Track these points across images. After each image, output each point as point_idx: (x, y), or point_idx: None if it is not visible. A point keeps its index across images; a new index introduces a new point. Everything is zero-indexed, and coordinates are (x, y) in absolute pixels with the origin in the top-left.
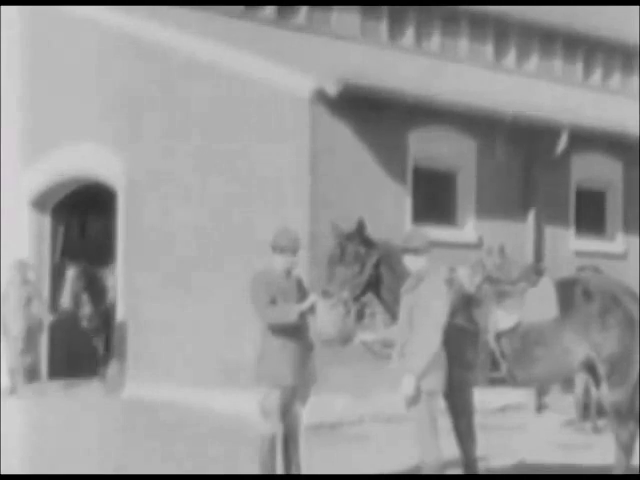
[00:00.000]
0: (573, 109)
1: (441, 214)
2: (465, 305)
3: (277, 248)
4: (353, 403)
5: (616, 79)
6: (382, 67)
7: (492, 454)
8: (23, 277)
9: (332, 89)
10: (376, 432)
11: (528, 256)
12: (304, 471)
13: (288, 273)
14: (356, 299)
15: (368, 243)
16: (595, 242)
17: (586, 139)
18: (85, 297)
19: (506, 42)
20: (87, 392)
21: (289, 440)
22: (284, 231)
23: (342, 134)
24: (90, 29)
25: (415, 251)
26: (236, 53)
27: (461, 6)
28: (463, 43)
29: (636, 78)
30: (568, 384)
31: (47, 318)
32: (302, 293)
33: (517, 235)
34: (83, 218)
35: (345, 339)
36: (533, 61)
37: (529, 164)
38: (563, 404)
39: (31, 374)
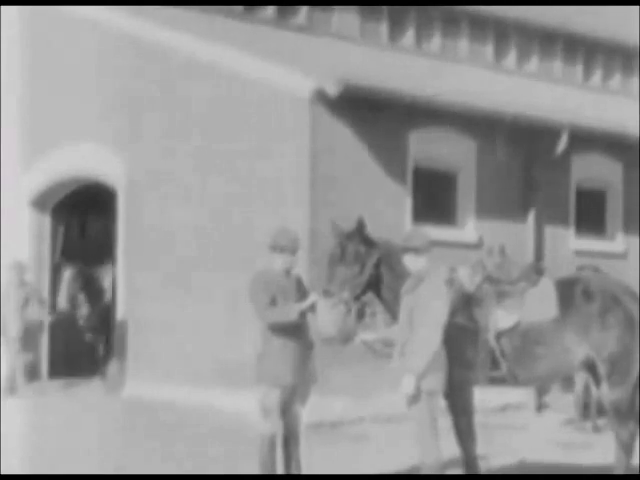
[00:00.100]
0: (573, 109)
1: (441, 214)
2: (465, 305)
3: (276, 248)
4: (353, 403)
5: (616, 80)
6: (382, 67)
7: (492, 453)
8: (20, 279)
9: (332, 89)
10: (376, 432)
11: (528, 256)
12: (304, 470)
13: (287, 273)
14: (356, 298)
15: (368, 242)
16: (595, 242)
17: (586, 139)
18: (82, 298)
19: (506, 43)
20: (87, 392)
21: (289, 439)
22: (283, 231)
23: (342, 134)
24: (90, 29)
25: (416, 251)
26: (236, 53)
27: (461, 7)
28: (463, 44)
29: (636, 79)
30: (568, 383)
31: (47, 318)
32: (302, 292)
33: (517, 235)
34: (83, 218)
35: (346, 338)
36: (533, 62)
37: (529, 164)
38: (563, 403)
39: (31, 374)
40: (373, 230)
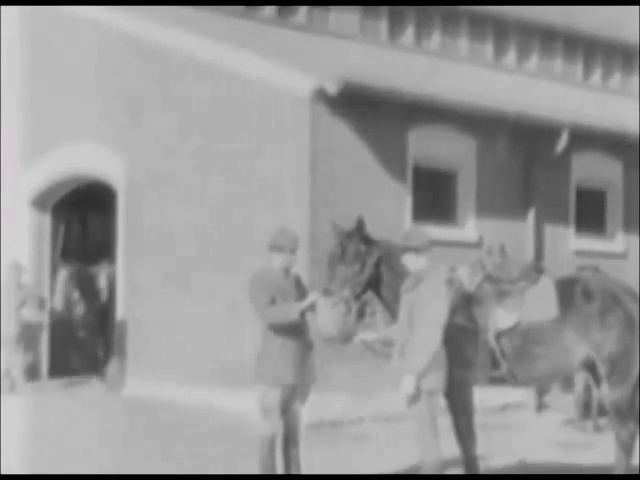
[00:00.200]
0: (573, 108)
1: (441, 213)
2: (465, 304)
3: (275, 247)
4: (353, 402)
5: (616, 79)
6: (382, 66)
7: (492, 453)
8: (18, 280)
9: (332, 88)
10: (376, 431)
11: (528, 255)
12: (304, 470)
13: (287, 272)
14: (357, 298)
15: (368, 241)
16: (595, 241)
17: (586, 138)
18: (77, 298)
19: (506, 41)
20: (87, 391)
21: (289, 439)
22: (282, 230)
23: (342, 133)
24: (90, 29)
25: (415, 250)
26: (236, 53)
27: (461, 5)
28: (463, 42)
29: (636, 78)
30: (568, 383)
31: (46, 318)
32: (301, 292)
33: (517, 234)
34: (83, 218)
35: (346, 338)
36: (533, 60)
37: (529, 163)
38: (563, 403)
39: (31, 373)
40: (373, 229)
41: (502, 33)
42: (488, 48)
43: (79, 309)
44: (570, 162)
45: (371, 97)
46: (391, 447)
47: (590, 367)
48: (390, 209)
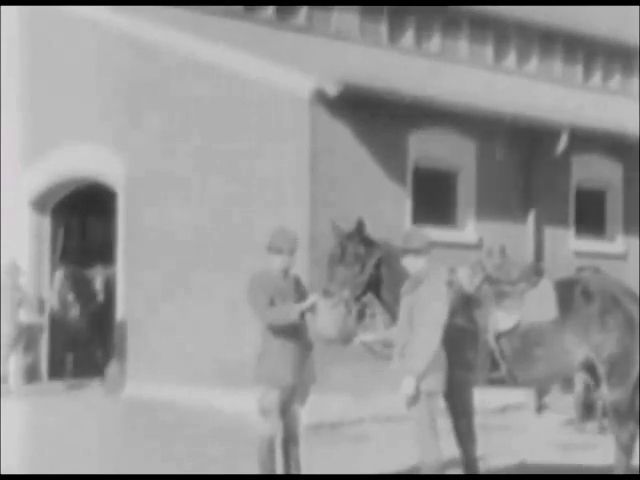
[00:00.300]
0: (573, 110)
1: (441, 215)
2: (465, 305)
3: (274, 248)
4: (353, 403)
5: (616, 80)
6: (382, 68)
7: (492, 454)
8: (14, 281)
9: (332, 89)
10: (376, 432)
11: (528, 256)
12: (304, 471)
13: (285, 273)
14: (357, 299)
15: (368, 243)
16: (595, 242)
17: (586, 140)
18: (72, 299)
19: (506, 43)
20: (87, 392)
21: (289, 440)
22: (281, 231)
23: (342, 134)
24: (90, 29)
25: (415, 252)
26: (236, 53)
27: (461, 7)
28: (463, 44)
29: (636, 79)
30: (568, 384)
31: (45, 320)
32: (300, 292)
33: (517, 236)
34: (83, 218)
35: (345, 339)
36: (533, 62)
37: (529, 165)
38: (563, 404)
39: (31, 375)
40: (373, 231)
41: (502, 35)
42: (488, 50)
43: (74, 311)
44: (570, 163)
45: (371, 99)
46: (391, 448)
47: (590, 368)
48: (390, 210)
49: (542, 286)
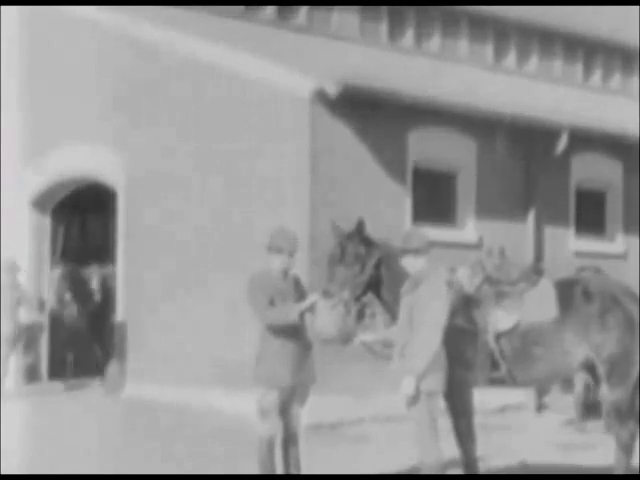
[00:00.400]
0: (573, 110)
1: (441, 214)
2: (465, 305)
3: (274, 248)
4: (353, 403)
5: (616, 80)
6: (382, 67)
7: (492, 454)
8: (13, 280)
9: (332, 89)
10: (376, 432)
11: (528, 256)
12: (304, 471)
13: (285, 274)
14: (356, 299)
15: (368, 243)
16: (595, 242)
17: (586, 140)
18: (69, 298)
19: (506, 43)
20: (87, 392)
21: (288, 440)
22: (281, 231)
23: (342, 134)
24: (90, 29)
25: (415, 252)
26: (236, 53)
27: (461, 7)
28: (463, 44)
29: (636, 79)
30: (568, 384)
31: (45, 319)
32: (300, 293)
33: (517, 235)
34: (83, 218)
35: (345, 339)
36: (533, 62)
37: (529, 164)
38: (563, 404)
39: (31, 375)
40: (373, 230)
41: (502, 35)
42: (488, 50)
43: (71, 310)
44: (570, 163)
45: (371, 98)
46: (391, 448)
47: (590, 368)
48: (390, 210)
49: (542, 286)
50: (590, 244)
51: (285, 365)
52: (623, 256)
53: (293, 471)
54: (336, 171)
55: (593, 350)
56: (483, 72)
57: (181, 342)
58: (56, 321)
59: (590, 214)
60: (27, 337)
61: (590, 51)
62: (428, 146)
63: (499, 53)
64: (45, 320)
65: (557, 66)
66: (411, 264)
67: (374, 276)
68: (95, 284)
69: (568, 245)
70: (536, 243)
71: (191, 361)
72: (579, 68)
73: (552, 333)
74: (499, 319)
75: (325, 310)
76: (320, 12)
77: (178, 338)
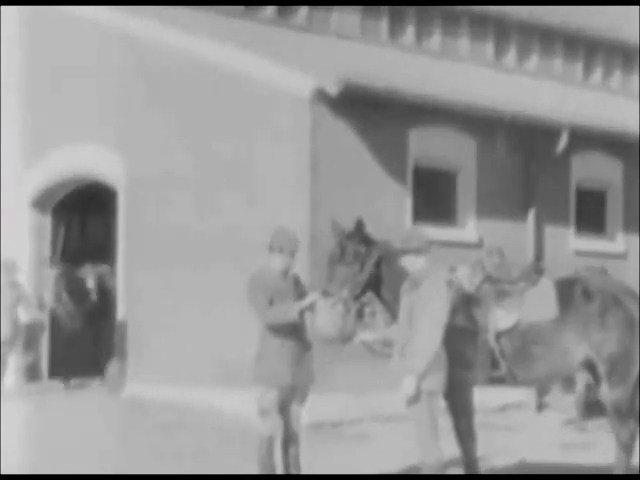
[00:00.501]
0: (573, 109)
1: (441, 214)
2: (465, 305)
3: (275, 248)
4: (353, 402)
5: (616, 79)
6: (382, 66)
7: (493, 453)
8: (11, 279)
9: (332, 89)
10: (376, 431)
11: (528, 256)
12: (304, 470)
13: (285, 273)
14: (356, 298)
15: (368, 242)
16: (595, 242)
17: (586, 139)
18: (65, 298)
19: (506, 41)
20: (88, 392)
21: (289, 439)
22: (282, 231)
23: (342, 134)
24: (90, 29)
25: (416, 251)
26: (236, 53)
27: (461, 5)
28: (463, 42)
29: (636, 78)
30: (569, 383)
31: (46, 319)
32: (300, 292)
33: (517, 235)
34: (83, 218)
35: (345, 338)
36: (533, 60)
37: (529, 163)
38: (563, 403)
39: (31, 373)
40: (373, 230)
41: (502, 33)
42: (488, 48)
43: (68, 309)
44: (570, 162)
45: (372, 97)
46: (391, 447)
47: (590, 367)
48: (390, 209)
49: (542, 285)
50: (590, 243)
51: (285, 364)
52: (623, 255)
53: (293, 470)
54: (336, 170)
55: (593, 349)
56: (483, 70)
57: (181, 342)
58: (55, 320)
59: (590, 213)
60: (27, 336)
61: (590, 50)
62: (429, 145)
63: (499, 51)
64: (46, 319)
65: (557, 65)
66: (411, 263)
67: (374, 275)
68: (91, 283)
69: (568, 244)
70: (536, 242)
71: (191, 361)
72: (579, 67)
73: (552, 332)
74: (499, 318)
75: (325, 309)
76: (320, 11)
77: (178, 338)
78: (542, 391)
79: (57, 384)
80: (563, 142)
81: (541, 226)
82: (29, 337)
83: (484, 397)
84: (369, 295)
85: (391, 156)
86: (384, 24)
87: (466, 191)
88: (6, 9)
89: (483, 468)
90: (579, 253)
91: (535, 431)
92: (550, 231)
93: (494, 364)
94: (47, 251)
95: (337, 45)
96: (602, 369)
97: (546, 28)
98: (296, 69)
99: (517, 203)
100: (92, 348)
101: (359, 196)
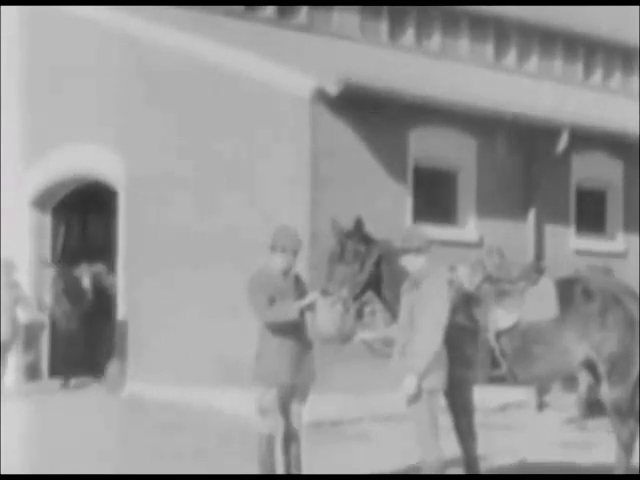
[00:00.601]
0: (573, 109)
1: (442, 213)
2: (465, 304)
3: (277, 247)
4: (353, 401)
5: (616, 79)
6: (382, 67)
7: (493, 453)
8: (10, 279)
9: (332, 89)
10: (376, 431)
11: (529, 255)
12: (304, 470)
13: (286, 273)
14: (356, 297)
15: (368, 241)
16: (595, 241)
17: (586, 139)
18: (63, 298)
19: (506, 42)
20: (88, 391)
21: (289, 438)
22: (284, 230)
23: (342, 134)
24: (90, 29)
25: (416, 250)
26: (236, 53)
27: (461, 6)
28: (463, 43)
29: (636, 78)
30: (570, 383)
31: (46, 318)
32: (300, 291)
33: (518, 234)
34: (84, 218)
35: (345, 338)
36: (533, 61)
37: (530, 163)
38: (564, 402)
39: (32, 373)
40: (374, 230)
41: (502, 34)
42: (488, 49)
43: (65, 309)
44: (570, 162)
45: (372, 98)
46: (391, 447)
47: (590, 367)
48: (390, 209)
49: (542, 284)
50: (590, 243)
51: (284, 363)
52: (623, 255)
53: (294, 469)
54: (336, 170)
55: (593, 349)
56: (484, 71)
57: (181, 342)
58: (54, 320)
59: (590, 213)
60: (27, 336)
61: (590, 50)
62: (429, 145)
63: (499, 52)
64: (45, 319)
65: (557, 65)
66: (412, 263)
67: (374, 274)
68: (86, 283)
69: (569, 244)
70: (537, 242)
71: (191, 361)
72: (579, 67)
73: (552, 332)
74: (499, 317)
75: (324, 308)
76: (320, 11)
77: (178, 338)
78: (542, 390)
79: (57, 384)
80: (563, 142)
81: (541, 226)
82: (29, 337)
83: (484, 396)
84: (369, 294)
85: (391, 156)
86: (384, 24)
87: (466, 191)
88: (6, 9)
89: (483, 467)
90: (579, 253)
91: (535, 430)
92: (550, 231)
93: (494, 363)
94: (47, 251)
95: (337, 45)
96: (602, 369)
97: (546, 29)
98: (296, 69)
99: (517, 203)
100: (92, 348)
101: (359, 196)
